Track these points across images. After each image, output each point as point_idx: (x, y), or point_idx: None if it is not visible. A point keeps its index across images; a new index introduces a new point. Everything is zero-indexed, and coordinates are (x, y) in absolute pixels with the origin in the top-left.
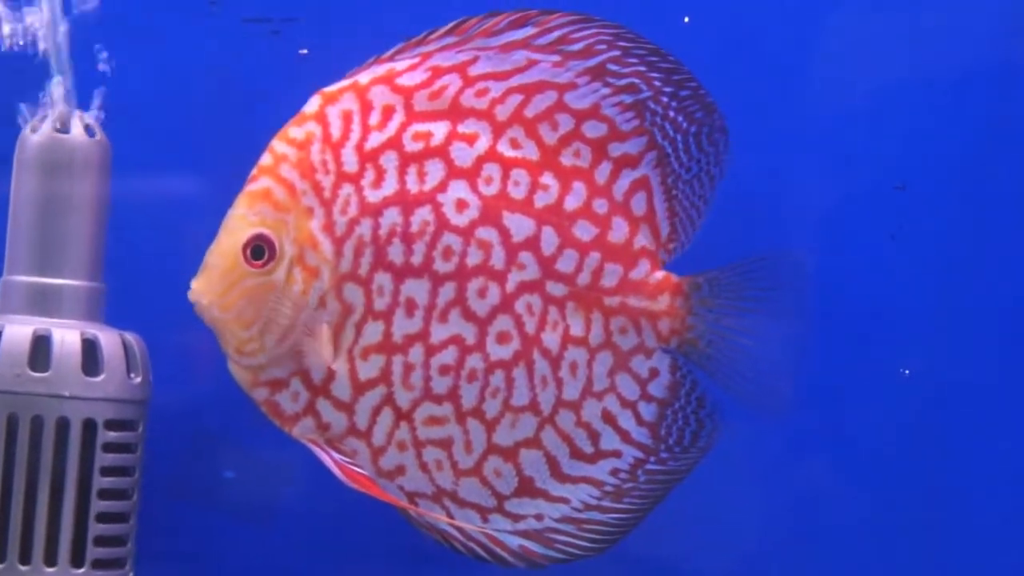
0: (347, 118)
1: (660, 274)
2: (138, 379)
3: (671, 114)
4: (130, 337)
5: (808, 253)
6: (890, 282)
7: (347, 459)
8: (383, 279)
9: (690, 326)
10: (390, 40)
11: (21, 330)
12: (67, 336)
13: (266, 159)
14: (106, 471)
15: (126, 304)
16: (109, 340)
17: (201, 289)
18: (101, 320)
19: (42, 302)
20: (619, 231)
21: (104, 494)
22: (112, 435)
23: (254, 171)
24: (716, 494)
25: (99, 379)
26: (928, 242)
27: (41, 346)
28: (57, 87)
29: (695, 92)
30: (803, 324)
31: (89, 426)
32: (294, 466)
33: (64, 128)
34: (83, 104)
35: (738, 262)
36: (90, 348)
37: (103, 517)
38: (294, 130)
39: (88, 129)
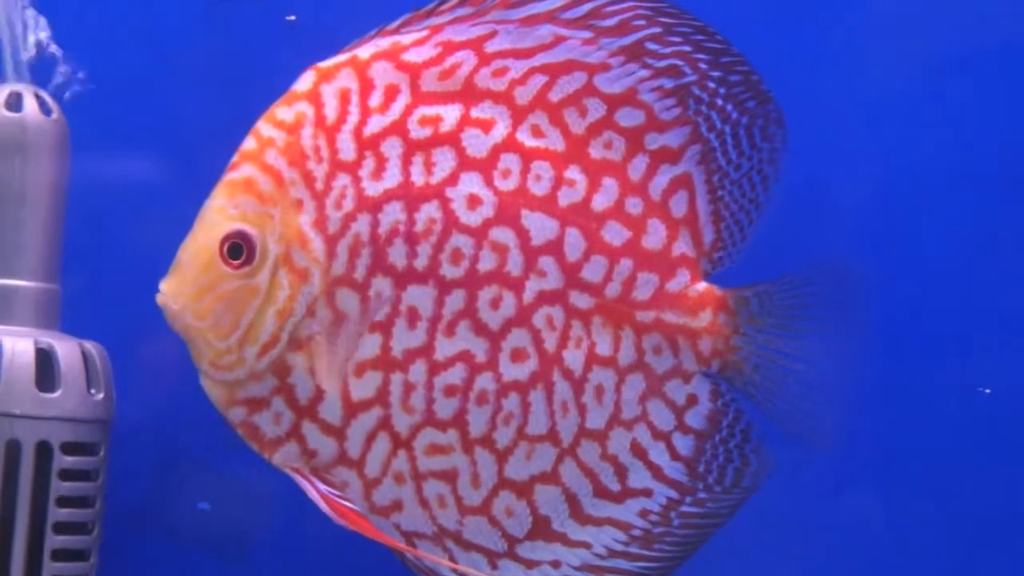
0: (344, 98)
1: (702, 286)
2: (100, 395)
3: (719, 102)
4: (90, 347)
5: (872, 262)
6: (966, 292)
7: (336, 492)
8: (382, 284)
9: (735, 347)
10: (395, 10)
11: None
12: (18, 345)
13: (249, 143)
14: (63, 501)
15: (85, 309)
16: (67, 350)
17: (172, 292)
18: (57, 327)
19: None
20: (655, 235)
21: (60, 528)
22: (70, 460)
23: (235, 157)
24: (758, 538)
25: (55, 395)
26: (1010, 245)
27: None
28: (6, 57)
29: (747, 78)
30: (864, 347)
31: (43, 450)
32: (274, 497)
33: (14, 104)
34: (37, 78)
35: (791, 274)
36: (44, 359)
37: (59, 554)
38: (283, 110)
39: (43, 106)
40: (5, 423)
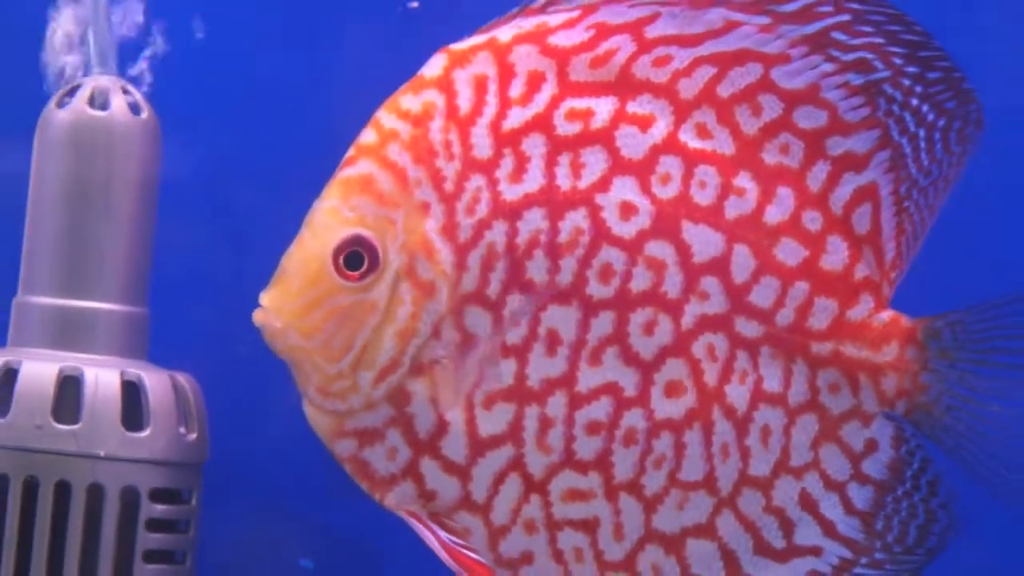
0: (480, 86)
1: (887, 315)
2: (193, 435)
3: (914, 102)
4: (182, 379)
5: None
6: None
7: (457, 540)
8: (518, 303)
9: (923, 386)
10: None
11: (42, 369)
12: (102, 377)
13: (368, 136)
14: (150, 556)
15: (177, 335)
16: (157, 383)
17: (274, 307)
18: (145, 356)
19: (69, 332)
20: (836, 255)
21: None
22: (159, 508)
23: (351, 151)
24: None
25: (143, 434)
26: None
27: (68, 390)
28: (93, 49)
29: (948, 74)
30: None
31: (130, 496)
32: (386, 549)
33: (101, 101)
34: (126, 71)
35: (991, 300)
36: (132, 393)
37: None
38: (408, 99)
39: (132, 104)
40: (87, 466)
